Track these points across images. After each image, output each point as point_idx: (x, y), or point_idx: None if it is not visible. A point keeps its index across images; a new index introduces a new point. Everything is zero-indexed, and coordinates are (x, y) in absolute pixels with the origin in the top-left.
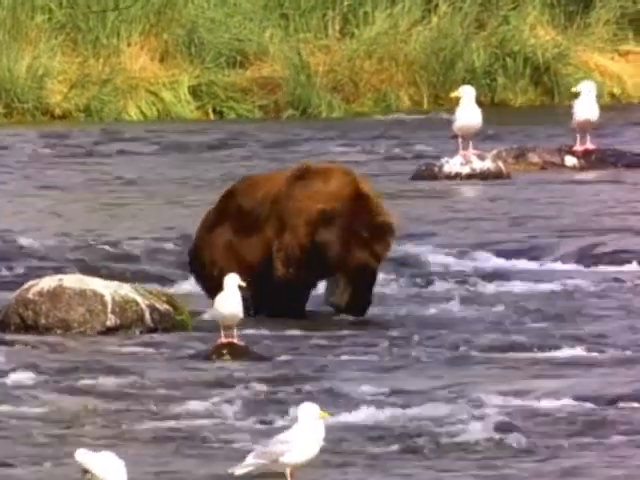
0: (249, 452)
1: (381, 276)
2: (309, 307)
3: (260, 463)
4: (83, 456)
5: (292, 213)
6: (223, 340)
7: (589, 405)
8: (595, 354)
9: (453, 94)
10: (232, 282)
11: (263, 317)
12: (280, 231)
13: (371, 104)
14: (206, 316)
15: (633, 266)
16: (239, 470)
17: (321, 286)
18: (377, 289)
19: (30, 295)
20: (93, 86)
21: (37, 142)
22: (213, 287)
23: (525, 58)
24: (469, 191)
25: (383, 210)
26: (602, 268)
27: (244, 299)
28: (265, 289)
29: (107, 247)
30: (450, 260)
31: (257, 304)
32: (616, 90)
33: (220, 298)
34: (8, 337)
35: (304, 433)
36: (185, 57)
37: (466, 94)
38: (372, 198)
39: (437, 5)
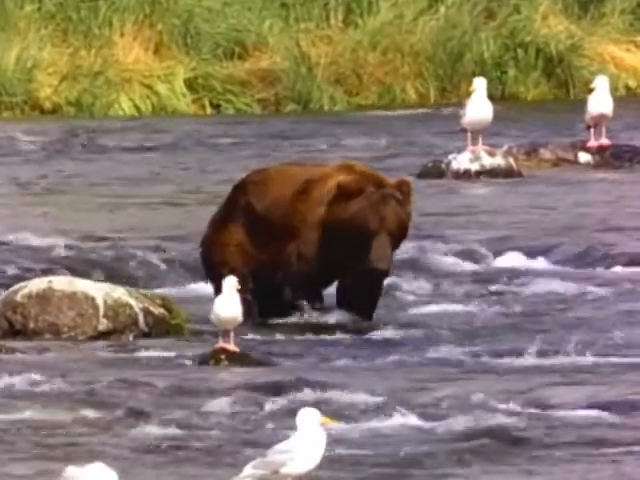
0: (247, 462)
1: (388, 277)
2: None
3: (259, 473)
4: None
5: None
6: (221, 345)
7: (606, 413)
8: (611, 360)
9: (471, 88)
10: (231, 285)
11: (263, 321)
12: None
13: (375, 97)
14: (203, 320)
15: None
16: None
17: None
18: (384, 290)
19: (18, 298)
20: (84, 79)
21: (25, 137)
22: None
23: (537, 49)
24: (478, 189)
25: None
26: (618, 269)
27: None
28: (273, 290)
29: (99, 248)
30: (458, 261)
31: (263, 307)
32: (632, 83)
33: (219, 301)
34: None
35: (305, 441)
36: (180, 48)
37: (479, 86)
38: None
39: None
